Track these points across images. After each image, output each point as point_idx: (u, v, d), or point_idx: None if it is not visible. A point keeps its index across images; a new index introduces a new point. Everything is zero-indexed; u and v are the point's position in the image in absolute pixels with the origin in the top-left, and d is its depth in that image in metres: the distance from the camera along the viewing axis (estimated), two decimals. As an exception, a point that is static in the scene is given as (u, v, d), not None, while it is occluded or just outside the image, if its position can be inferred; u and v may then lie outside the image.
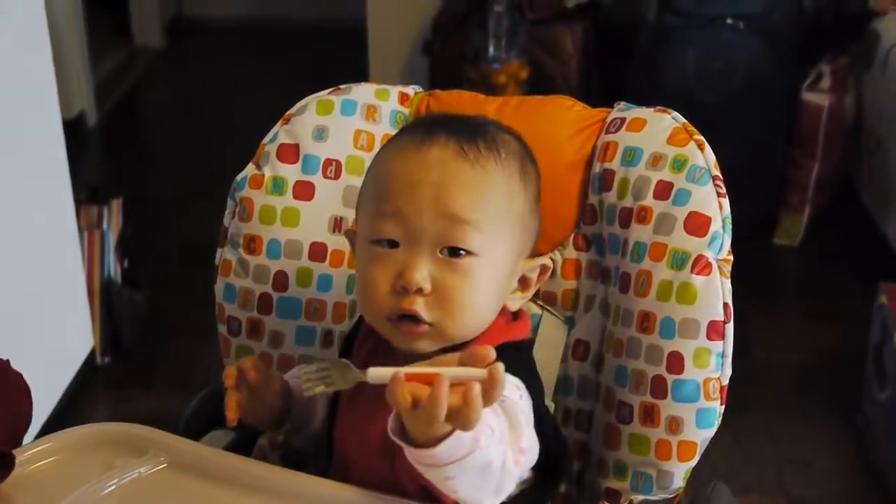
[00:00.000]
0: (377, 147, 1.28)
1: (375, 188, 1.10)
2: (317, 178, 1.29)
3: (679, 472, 1.20)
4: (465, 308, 1.06)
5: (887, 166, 3.09)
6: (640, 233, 1.20)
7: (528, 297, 1.16)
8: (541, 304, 1.28)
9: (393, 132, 1.26)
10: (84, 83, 4.17)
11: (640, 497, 1.20)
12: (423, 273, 1.04)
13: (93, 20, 4.32)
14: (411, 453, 0.92)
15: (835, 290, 3.10)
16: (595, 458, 1.25)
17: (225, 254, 1.31)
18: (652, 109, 1.27)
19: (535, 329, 1.26)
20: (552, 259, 1.23)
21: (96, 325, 2.72)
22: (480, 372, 0.88)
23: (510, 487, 0.99)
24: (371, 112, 1.32)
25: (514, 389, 1.03)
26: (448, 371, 0.89)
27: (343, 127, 1.30)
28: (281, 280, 1.29)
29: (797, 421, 2.55)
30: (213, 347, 1.35)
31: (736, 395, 1.24)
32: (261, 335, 1.30)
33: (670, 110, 1.27)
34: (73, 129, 3.78)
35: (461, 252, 1.05)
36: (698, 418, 1.18)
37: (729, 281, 1.18)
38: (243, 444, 1.22)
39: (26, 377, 1.17)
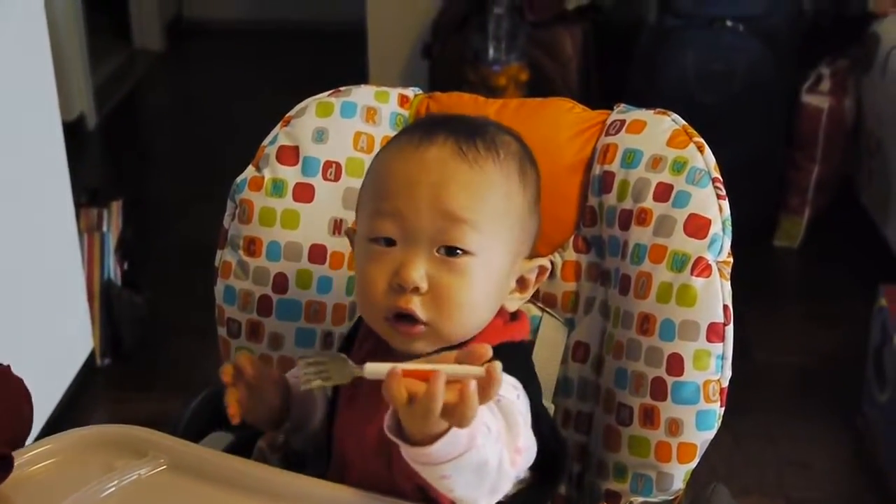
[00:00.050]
0: (377, 149, 1.28)
1: (374, 187, 1.10)
2: (316, 180, 1.29)
3: (679, 474, 1.20)
4: (461, 307, 1.06)
5: (887, 168, 3.09)
6: (639, 235, 1.20)
7: (526, 298, 1.16)
8: (541, 305, 1.28)
9: (393, 134, 1.26)
10: (84, 85, 4.16)
11: (640, 499, 1.20)
12: (419, 271, 1.04)
13: (92, 22, 4.31)
14: (407, 451, 0.92)
15: (835, 292, 3.10)
16: (595, 460, 1.25)
17: (225, 256, 1.31)
18: (652, 111, 1.27)
19: (535, 331, 1.26)
20: (552, 261, 1.23)
21: (96, 327, 2.72)
22: (477, 369, 0.88)
23: (507, 487, 0.99)
24: (371, 114, 1.32)
25: (511, 389, 1.03)
26: (445, 368, 0.89)
27: (343, 129, 1.30)
28: (281, 282, 1.29)
29: (797, 423, 2.55)
30: (213, 349, 1.35)
31: (736, 396, 1.24)
32: (260, 337, 1.30)
33: (670, 112, 1.27)
34: (73, 132, 3.77)
35: (458, 251, 1.05)
36: (698, 420, 1.18)
37: (729, 283, 1.18)
38: (243, 445, 1.22)
39: (26, 379, 1.17)
